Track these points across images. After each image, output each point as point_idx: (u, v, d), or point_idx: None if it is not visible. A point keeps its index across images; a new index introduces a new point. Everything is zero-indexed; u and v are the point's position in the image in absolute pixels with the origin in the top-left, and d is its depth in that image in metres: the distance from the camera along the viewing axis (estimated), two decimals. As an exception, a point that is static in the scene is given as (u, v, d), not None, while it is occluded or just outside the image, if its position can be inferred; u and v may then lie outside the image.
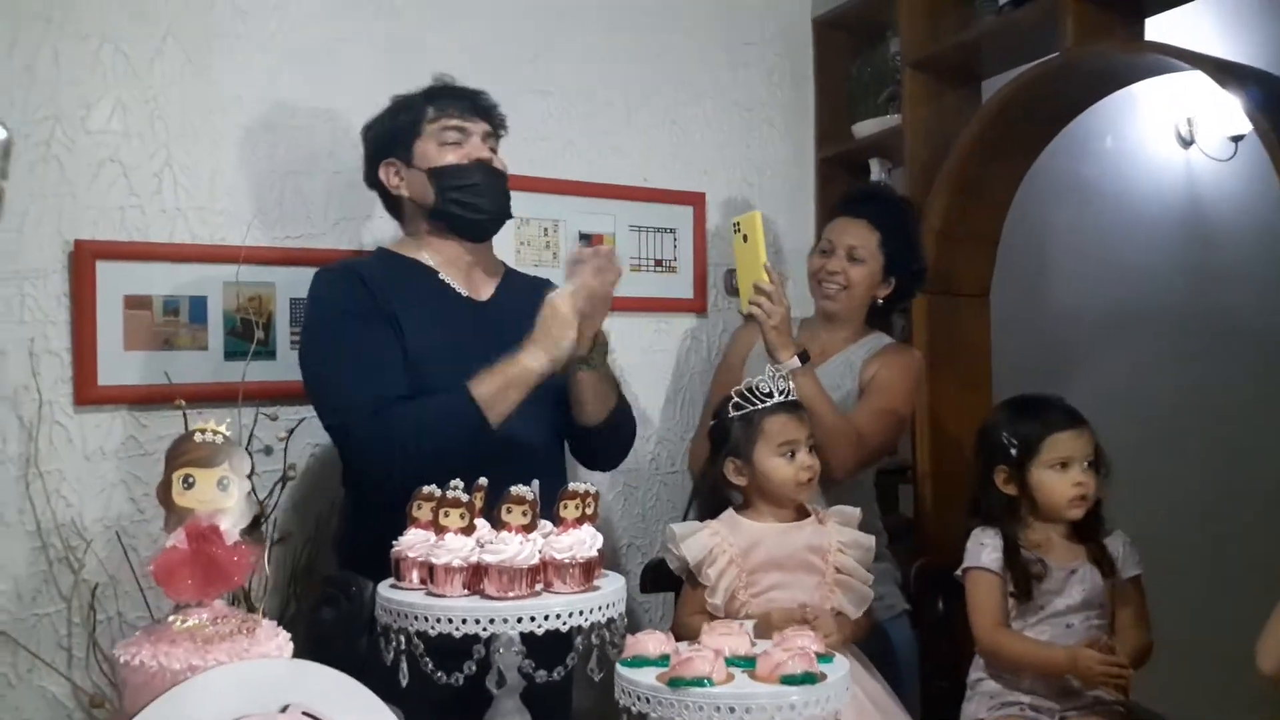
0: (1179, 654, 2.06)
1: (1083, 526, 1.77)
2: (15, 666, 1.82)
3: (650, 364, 2.51)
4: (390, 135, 1.81)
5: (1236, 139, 3.29)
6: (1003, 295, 2.60)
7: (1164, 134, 3.40)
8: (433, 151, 1.77)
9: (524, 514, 1.28)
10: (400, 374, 1.68)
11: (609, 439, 1.87)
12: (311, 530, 2.03)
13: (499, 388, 1.61)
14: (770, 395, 1.77)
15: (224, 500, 1.13)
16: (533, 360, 1.61)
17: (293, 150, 2.11)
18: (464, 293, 1.83)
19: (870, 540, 1.73)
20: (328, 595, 1.62)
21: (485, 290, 1.86)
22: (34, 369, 1.86)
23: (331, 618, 1.59)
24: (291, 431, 1.91)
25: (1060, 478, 1.75)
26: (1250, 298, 3.34)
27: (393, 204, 1.88)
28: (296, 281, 2.04)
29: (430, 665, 1.26)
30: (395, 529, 1.41)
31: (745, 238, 1.93)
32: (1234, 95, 1.95)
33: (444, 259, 1.83)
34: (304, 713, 0.94)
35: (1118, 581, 1.75)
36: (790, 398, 1.78)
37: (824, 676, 1.13)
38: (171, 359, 1.97)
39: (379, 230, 2.13)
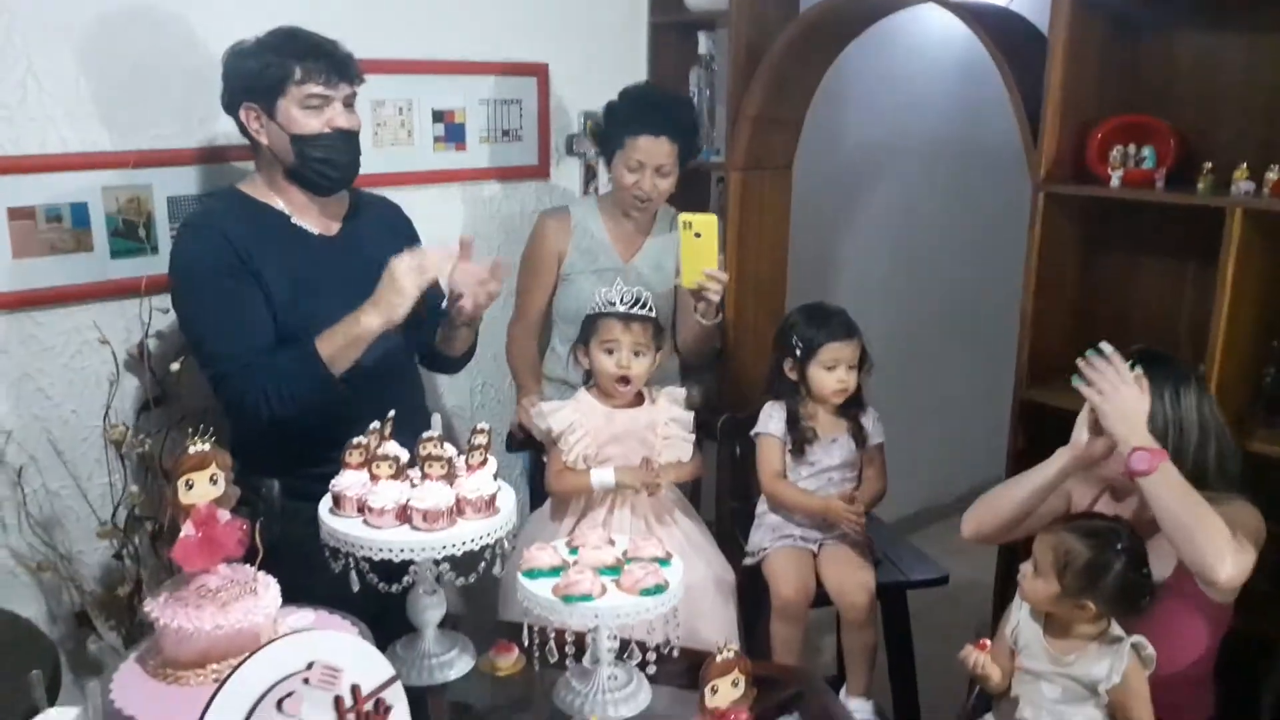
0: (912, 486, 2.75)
1: (845, 406, 2.33)
2: (-45, 540, 2.09)
3: (498, 227, 2.80)
4: (254, 83, 1.90)
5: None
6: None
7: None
8: (296, 115, 1.90)
9: (441, 468, 1.67)
10: (265, 327, 1.92)
11: (462, 360, 2.25)
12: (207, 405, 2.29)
13: (341, 346, 1.87)
14: (613, 304, 2.16)
15: (215, 491, 1.45)
16: (372, 321, 1.86)
17: (150, 49, 2.15)
18: (315, 231, 2.03)
19: (690, 416, 2.22)
20: (241, 496, 1.95)
21: (334, 225, 2.06)
22: (-68, 283, 1.98)
23: (247, 515, 1.92)
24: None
25: (828, 375, 2.28)
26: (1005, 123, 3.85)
27: (249, 138, 1.98)
28: (171, 180, 2.21)
29: (374, 579, 1.67)
30: (280, 444, 1.92)
31: (698, 235, 2.19)
32: (976, 33, 2.31)
33: (295, 206, 2.01)
34: (324, 666, 1.34)
35: (867, 447, 2.35)
36: (629, 309, 2.16)
37: (668, 584, 1.63)
38: (60, 262, 2.11)
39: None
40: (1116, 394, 1.70)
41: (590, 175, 2.92)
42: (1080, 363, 1.75)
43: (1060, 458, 1.80)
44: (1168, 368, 1.79)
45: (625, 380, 2.15)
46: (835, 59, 2.81)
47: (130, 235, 2.18)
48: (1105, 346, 1.76)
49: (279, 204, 2.00)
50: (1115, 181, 2.18)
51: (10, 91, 2.00)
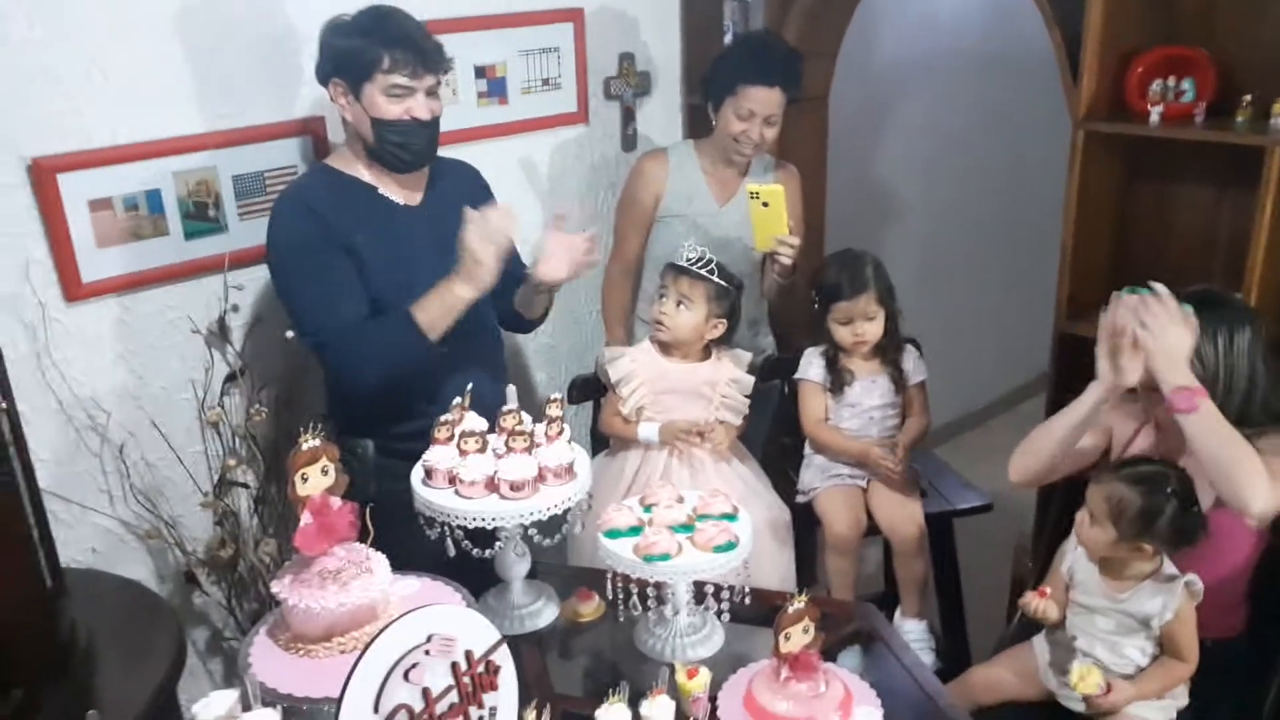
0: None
1: (880, 349, 2.42)
2: (69, 511, 2.24)
3: (542, 177, 2.86)
4: (345, 62, 1.99)
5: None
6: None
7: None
8: (380, 101, 1.98)
9: (524, 440, 1.79)
10: (358, 297, 2.03)
11: (538, 322, 2.37)
12: (287, 371, 2.44)
13: (437, 314, 1.99)
14: (687, 260, 2.26)
15: (327, 481, 1.59)
16: (463, 290, 1.98)
17: (205, 35, 2.19)
18: (400, 201, 2.13)
19: (751, 380, 2.32)
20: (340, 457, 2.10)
21: (417, 194, 2.16)
22: (26, 276, 2.08)
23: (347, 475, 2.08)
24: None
25: (843, 329, 2.39)
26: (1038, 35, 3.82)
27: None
28: (235, 160, 2.29)
29: (468, 545, 1.82)
30: (373, 404, 2.04)
31: (765, 204, 2.29)
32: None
33: (378, 178, 2.11)
34: (442, 636, 1.49)
35: (907, 386, 2.45)
36: (688, 265, 2.26)
37: (738, 539, 1.76)
38: (140, 248, 2.21)
39: (305, 98, 2.33)
40: (1165, 334, 1.75)
41: (628, 119, 2.95)
42: (1129, 298, 1.78)
43: (1092, 392, 1.87)
44: (1223, 310, 1.84)
45: (660, 325, 2.28)
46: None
47: (201, 216, 2.27)
48: (1157, 286, 1.79)
49: (365, 176, 2.10)
50: (1155, 118, 2.21)
51: (78, 86, 2.06)
